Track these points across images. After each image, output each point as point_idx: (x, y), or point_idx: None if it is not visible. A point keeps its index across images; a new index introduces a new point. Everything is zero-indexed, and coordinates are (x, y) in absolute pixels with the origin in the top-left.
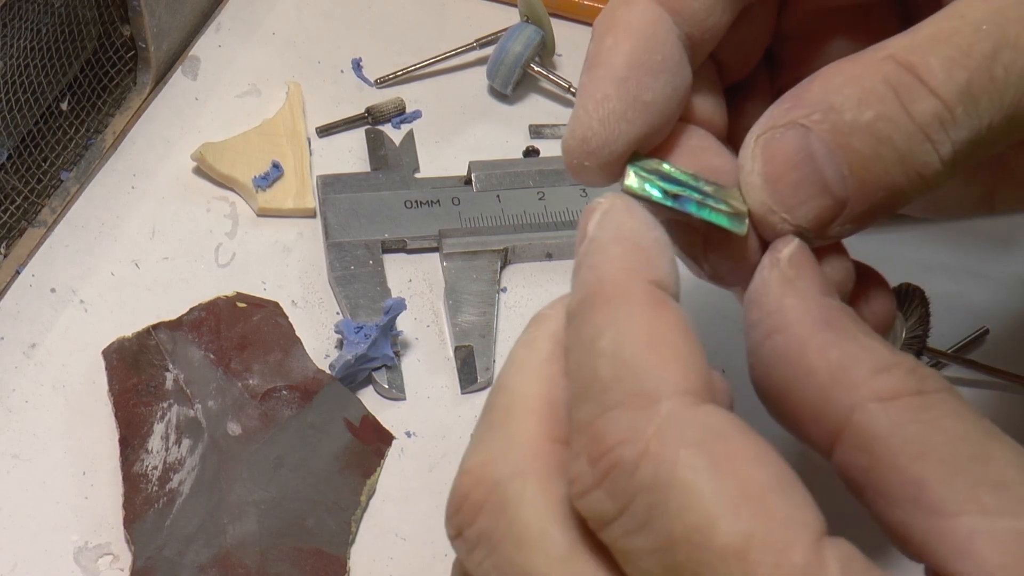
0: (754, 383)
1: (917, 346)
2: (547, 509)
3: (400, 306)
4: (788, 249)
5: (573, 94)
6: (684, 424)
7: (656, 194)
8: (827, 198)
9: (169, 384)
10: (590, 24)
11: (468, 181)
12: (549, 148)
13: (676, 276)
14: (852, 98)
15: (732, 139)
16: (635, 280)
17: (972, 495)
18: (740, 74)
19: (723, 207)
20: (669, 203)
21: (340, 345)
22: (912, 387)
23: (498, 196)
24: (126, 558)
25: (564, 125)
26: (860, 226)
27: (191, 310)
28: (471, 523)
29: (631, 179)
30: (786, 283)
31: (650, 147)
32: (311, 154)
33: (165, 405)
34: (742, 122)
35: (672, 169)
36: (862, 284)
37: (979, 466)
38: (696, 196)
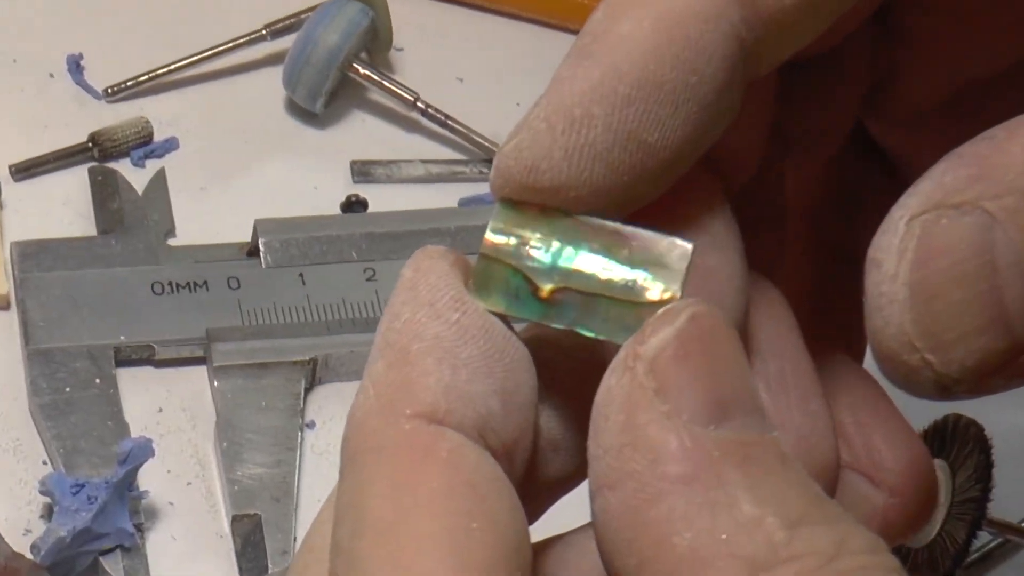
0: None
1: (971, 515)
2: None
3: (145, 452)
4: (658, 337)
5: (423, 111)
6: None
7: (500, 304)
8: (1001, 337)
9: None
10: (447, 0)
11: (254, 251)
12: (382, 198)
13: (482, 387)
14: None
15: (788, 137)
16: (391, 420)
17: None
18: (822, 46)
19: (634, 297)
20: (533, 317)
21: (49, 514)
22: None
23: (301, 275)
24: None
25: (405, 162)
26: None
27: None
28: None
29: (479, 282)
30: (639, 401)
31: (627, 211)
32: (1, 208)
33: None
34: (808, 120)
35: (564, 230)
36: (866, 425)
37: None
38: (600, 289)
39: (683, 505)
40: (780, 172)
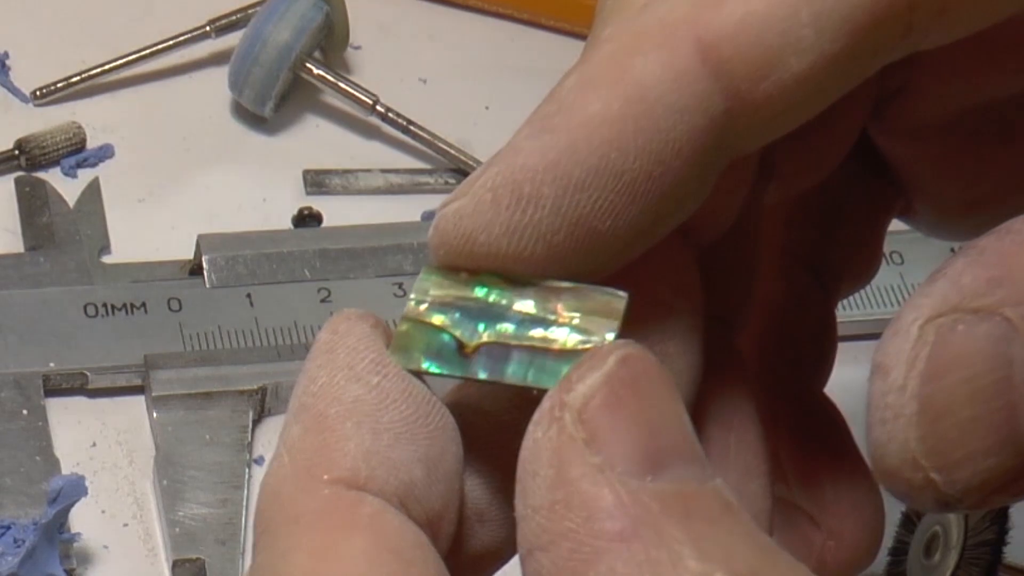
0: None
1: (985, 559)
2: None
3: (77, 490)
4: (585, 384)
5: (383, 115)
6: None
7: (422, 363)
8: (1012, 456)
9: None
10: None
11: (197, 269)
12: (337, 211)
13: (408, 444)
14: None
15: (773, 172)
16: (308, 487)
17: None
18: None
19: (562, 345)
20: (458, 373)
21: None
22: None
23: (249, 296)
24: None
25: (363, 172)
26: None
27: None
28: None
29: (403, 347)
30: (568, 454)
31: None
32: None
33: None
34: (800, 153)
35: (494, 288)
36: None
37: None
38: (528, 340)
39: (623, 565)
40: (758, 217)
